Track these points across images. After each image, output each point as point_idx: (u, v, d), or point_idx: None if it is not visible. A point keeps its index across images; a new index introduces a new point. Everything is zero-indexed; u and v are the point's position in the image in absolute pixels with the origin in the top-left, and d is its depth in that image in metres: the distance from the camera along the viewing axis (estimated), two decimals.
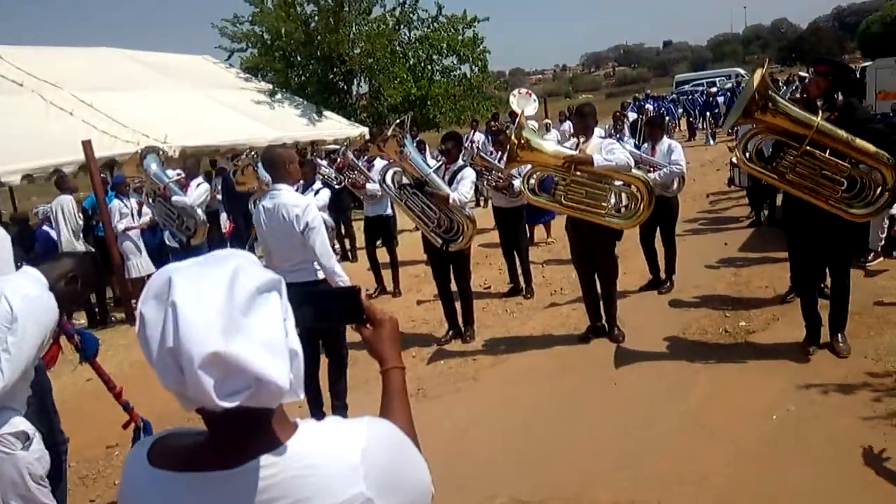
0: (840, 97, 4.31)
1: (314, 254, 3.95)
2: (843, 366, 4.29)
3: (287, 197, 3.97)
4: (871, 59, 20.82)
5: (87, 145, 6.89)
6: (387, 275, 7.76)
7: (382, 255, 7.79)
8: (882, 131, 4.17)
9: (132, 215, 7.89)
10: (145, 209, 7.90)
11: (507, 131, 7.17)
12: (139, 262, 7.88)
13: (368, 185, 7.64)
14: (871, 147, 3.99)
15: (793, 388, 4.08)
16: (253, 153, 6.99)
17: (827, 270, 4.63)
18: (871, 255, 6.28)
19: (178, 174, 7.78)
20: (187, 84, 13.93)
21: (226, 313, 0.88)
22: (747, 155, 4.38)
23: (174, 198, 7.27)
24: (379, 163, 7.87)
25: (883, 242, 6.29)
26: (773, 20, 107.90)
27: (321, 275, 4.06)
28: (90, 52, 14.13)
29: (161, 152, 8.27)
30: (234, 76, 16.59)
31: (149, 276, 7.87)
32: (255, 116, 13.68)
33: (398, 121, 5.59)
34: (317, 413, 4.35)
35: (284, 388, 0.90)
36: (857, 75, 19.71)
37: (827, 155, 4.08)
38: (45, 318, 2.49)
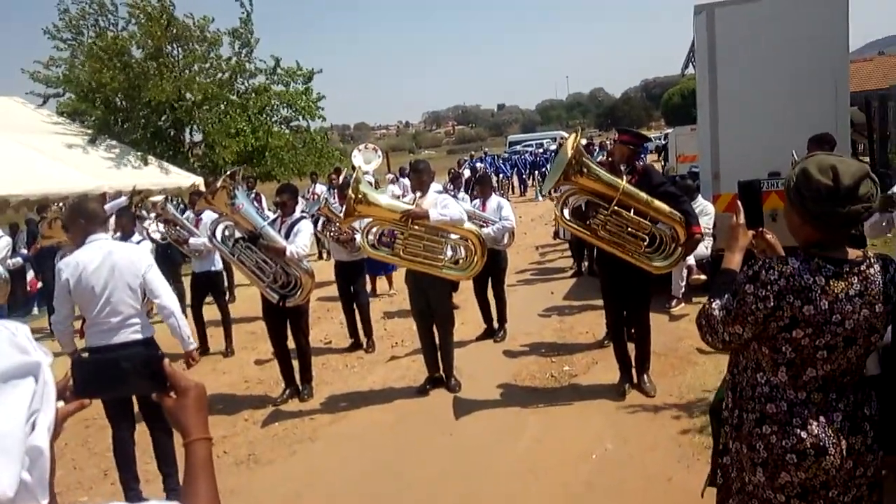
0: (640, 163, 4.87)
1: (155, 298, 3.81)
2: (650, 404, 4.71)
3: (114, 245, 3.82)
4: (673, 126, 23.78)
5: None
6: (218, 333, 7.35)
7: (213, 312, 7.39)
8: (673, 193, 4.75)
9: None
10: None
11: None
12: None
13: (192, 240, 7.23)
14: (665, 207, 4.53)
15: (610, 428, 4.40)
16: (62, 205, 6.36)
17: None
18: (674, 301, 7.03)
19: None
20: None
21: None
22: (566, 213, 4.77)
23: None
24: (208, 216, 7.53)
25: (683, 290, 7.07)
26: (591, 89, 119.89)
27: (150, 331, 3.86)
28: None
29: None
30: (46, 120, 15.20)
31: None
32: (68, 163, 12.55)
33: (228, 172, 5.42)
34: (132, 486, 3.96)
35: (2, 496, 0.78)
36: (662, 141, 22.23)
37: (631, 214, 4.56)
38: None
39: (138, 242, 6.24)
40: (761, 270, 1.76)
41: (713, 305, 1.94)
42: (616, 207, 4.53)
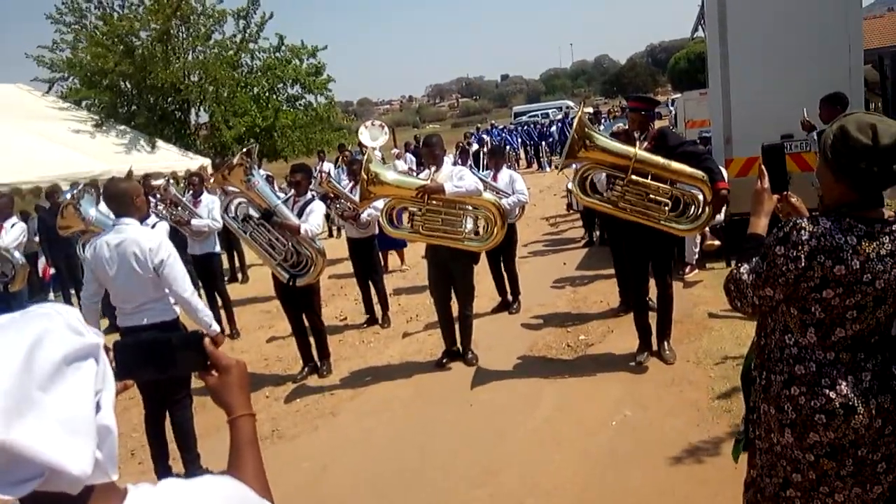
0: (654, 127, 4.82)
1: (173, 290, 3.72)
2: (669, 371, 4.73)
3: (136, 233, 3.71)
4: (680, 91, 23.49)
5: None
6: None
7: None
8: (693, 152, 4.69)
9: None
10: None
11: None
12: None
13: (194, 222, 7.23)
14: (685, 167, 4.47)
15: (628, 395, 4.43)
16: (75, 191, 6.33)
17: (651, 283, 5.09)
18: (688, 267, 7.01)
19: None
20: None
21: (13, 391, 0.77)
22: (582, 189, 4.73)
23: None
24: (206, 198, 7.53)
25: (697, 256, 7.05)
26: (596, 56, 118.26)
27: (175, 313, 3.82)
28: None
29: None
30: (52, 105, 15.18)
31: None
32: (78, 148, 12.57)
33: (245, 149, 5.40)
34: (163, 466, 4.04)
35: (83, 474, 0.80)
36: (670, 107, 22.02)
37: (650, 180, 4.52)
38: None
39: (153, 225, 6.31)
40: (792, 231, 1.75)
41: (741, 270, 1.93)
42: (633, 176, 4.49)
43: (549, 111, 35.49)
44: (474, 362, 5.41)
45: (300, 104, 18.10)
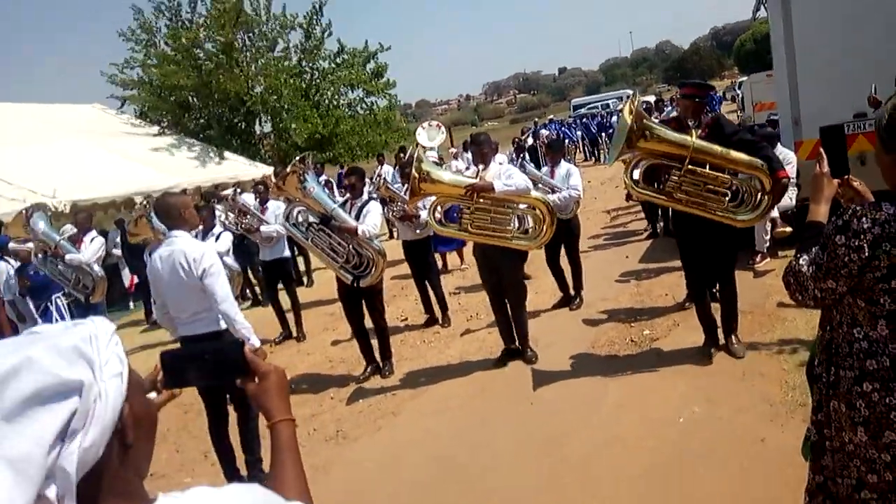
0: (708, 114, 4.64)
1: (214, 301, 3.80)
2: (739, 365, 4.54)
3: (183, 244, 3.83)
4: (747, 73, 22.60)
5: None
6: (291, 319, 7.58)
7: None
8: (750, 140, 4.50)
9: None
10: None
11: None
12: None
13: (263, 228, 7.45)
14: (744, 156, 4.29)
15: (696, 391, 4.28)
16: (145, 203, 6.68)
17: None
18: (759, 256, 6.72)
19: (71, 230, 7.35)
20: (76, 134, 13.30)
21: None
22: (635, 181, 4.60)
23: (68, 256, 6.86)
24: (273, 205, 7.74)
25: (768, 244, 6.75)
26: (657, 43, 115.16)
27: (216, 326, 3.92)
28: None
29: (49, 209, 7.79)
30: (126, 123, 15.98)
31: None
32: (150, 163, 13.20)
33: (299, 157, 5.54)
34: (230, 469, 4.17)
35: None
36: (726, 92, 21.07)
37: (707, 170, 4.36)
38: None
39: (218, 235, 6.55)
40: (852, 219, 1.64)
41: (801, 261, 1.82)
42: (690, 166, 4.34)
43: (610, 102, 34.81)
44: (534, 360, 5.35)
45: (361, 108, 18.39)
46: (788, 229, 6.68)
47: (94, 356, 0.88)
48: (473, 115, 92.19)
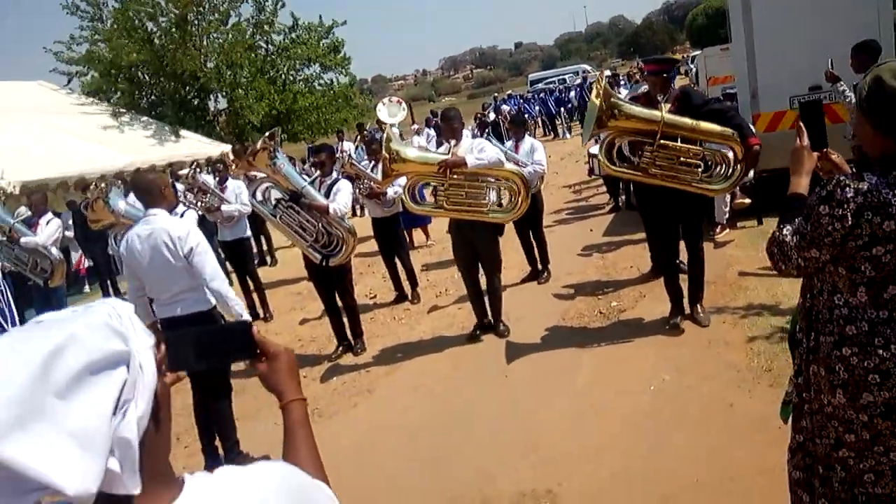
0: (675, 88, 4.72)
1: (203, 279, 3.73)
2: (705, 333, 4.70)
3: (164, 222, 3.74)
4: (699, 48, 22.97)
5: None
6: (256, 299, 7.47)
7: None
8: (720, 110, 4.59)
9: None
10: None
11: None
12: None
13: (224, 207, 7.28)
14: (715, 127, 4.37)
15: (664, 360, 4.42)
16: (102, 185, 6.43)
17: (682, 246, 5.03)
18: (719, 227, 6.91)
19: (25, 213, 7.07)
20: (20, 113, 12.71)
21: (20, 401, 0.75)
22: (609, 159, 4.66)
23: (23, 239, 6.60)
24: (232, 184, 7.58)
25: (727, 215, 6.94)
26: (610, 17, 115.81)
27: (210, 302, 3.86)
28: None
29: (1, 191, 7.47)
30: (74, 101, 15.35)
31: None
32: (102, 142, 12.75)
33: (268, 133, 5.42)
34: (211, 450, 4.13)
35: (82, 493, 0.76)
36: (689, 63, 21.49)
37: (679, 143, 4.44)
38: None
39: (182, 214, 6.38)
40: (836, 189, 1.70)
41: (784, 231, 1.89)
42: (662, 140, 4.41)
43: (566, 77, 34.98)
44: (506, 334, 5.42)
45: (319, 84, 18.08)
46: (747, 201, 6.89)
47: (125, 331, 0.88)
48: (430, 91, 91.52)
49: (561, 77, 35.30)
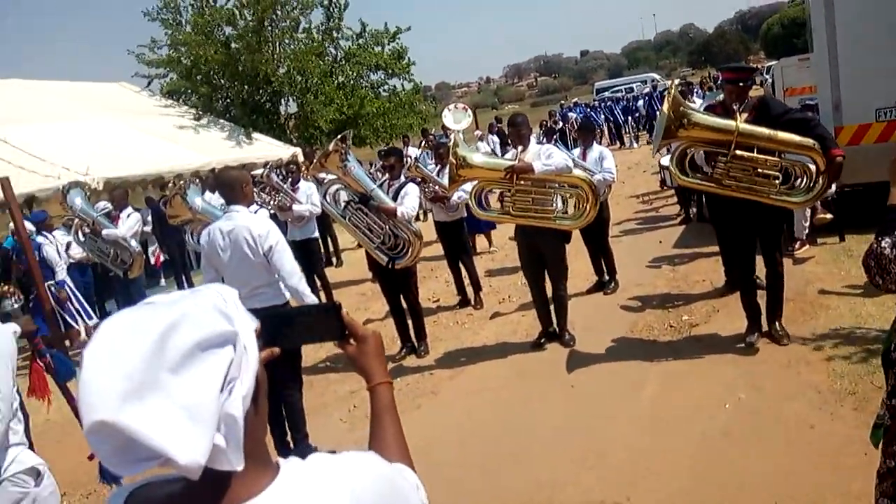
0: (752, 97, 4.55)
1: (281, 275, 3.85)
2: (783, 352, 4.50)
3: (246, 220, 3.87)
4: (774, 58, 22.18)
5: (5, 183, 6.48)
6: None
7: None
8: (801, 119, 4.40)
9: (58, 253, 7.49)
10: (75, 246, 7.50)
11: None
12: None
13: (296, 207, 7.46)
14: (794, 137, 4.20)
15: (741, 377, 4.25)
16: (181, 182, 6.74)
17: (760, 261, 4.84)
18: (798, 243, 6.63)
19: (106, 207, 7.45)
20: (106, 113, 13.40)
21: (140, 373, 0.79)
22: (681, 169, 4.53)
23: (105, 231, 6.95)
24: (304, 185, 7.76)
25: (807, 231, 6.65)
26: (681, 26, 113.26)
27: (285, 297, 3.96)
28: None
29: (86, 186, 7.89)
30: (154, 102, 16.08)
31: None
32: (179, 142, 13.29)
33: (340, 136, 5.53)
34: (282, 443, 4.23)
35: (192, 464, 0.80)
36: (764, 74, 20.88)
37: (755, 154, 4.29)
38: (2, 347, 2.34)
39: (255, 212, 6.58)
40: None
41: (882, 244, 1.79)
42: (736, 151, 4.27)
43: (634, 85, 34.34)
44: (571, 343, 5.34)
45: (384, 90, 18.40)
46: (829, 216, 6.58)
47: (230, 313, 0.91)
48: (493, 98, 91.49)
49: (628, 86, 34.69)
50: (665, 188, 10.09)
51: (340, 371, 5.63)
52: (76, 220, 7.06)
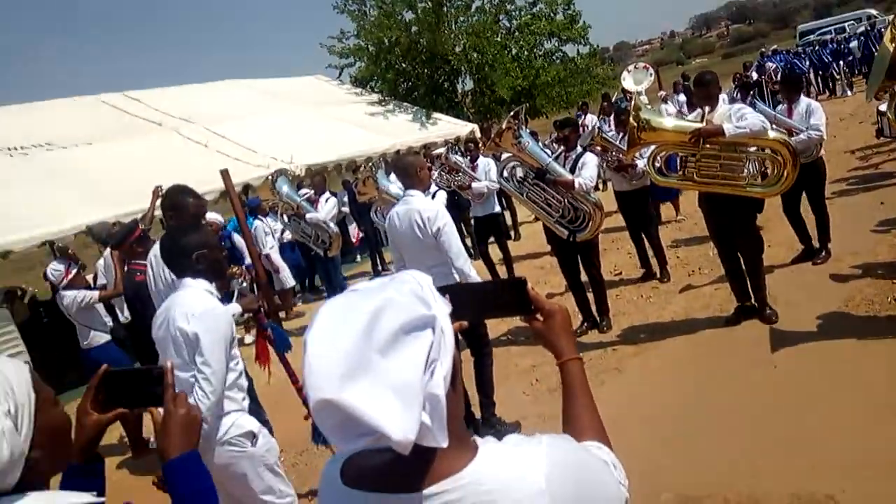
0: None
1: (448, 257, 4.00)
2: None
3: (418, 202, 4.07)
4: None
5: (225, 174, 7.39)
6: (502, 272, 7.75)
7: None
8: None
9: (272, 234, 8.45)
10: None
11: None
12: (284, 276, 8.54)
13: (475, 185, 7.64)
14: None
15: None
16: (371, 164, 7.26)
17: None
18: None
19: (307, 192, 8.21)
20: (303, 105, 14.64)
21: (354, 355, 0.86)
22: None
23: (308, 215, 7.65)
24: (482, 161, 7.89)
25: None
26: None
27: (456, 278, 4.10)
28: (214, 86, 15.19)
29: (290, 173, 8.73)
30: (345, 91, 17.25)
31: (290, 288, 8.47)
32: (368, 127, 14.14)
33: (513, 112, 5.53)
34: (468, 412, 4.41)
35: (403, 439, 0.85)
36: None
37: None
38: (219, 327, 2.66)
39: (434, 194, 6.85)
40: None
41: None
42: None
43: (846, 25, 30.09)
44: (774, 319, 4.88)
45: (557, 57, 18.05)
46: None
47: (427, 298, 0.96)
48: (679, 53, 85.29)
49: (839, 26, 30.44)
50: (882, 138, 8.76)
51: (521, 345, 5.69)
52: (281, 203, 7.86)
